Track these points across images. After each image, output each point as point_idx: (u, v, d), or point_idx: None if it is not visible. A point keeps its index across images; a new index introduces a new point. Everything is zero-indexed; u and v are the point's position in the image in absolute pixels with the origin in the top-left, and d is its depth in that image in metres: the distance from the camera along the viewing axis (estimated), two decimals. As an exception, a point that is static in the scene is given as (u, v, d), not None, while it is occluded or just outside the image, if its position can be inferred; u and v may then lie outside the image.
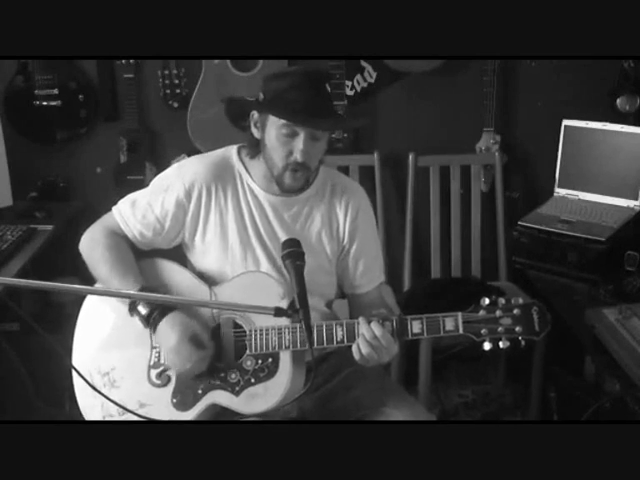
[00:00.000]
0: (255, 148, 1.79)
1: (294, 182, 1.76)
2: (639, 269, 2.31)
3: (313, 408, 1.83)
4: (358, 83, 2.98)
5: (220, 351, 1.72)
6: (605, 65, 2.86)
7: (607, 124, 2.69)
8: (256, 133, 1.77)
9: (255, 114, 1.76)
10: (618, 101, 2.85)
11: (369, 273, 1.92)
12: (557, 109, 2.88)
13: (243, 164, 1.83)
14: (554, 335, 2.36)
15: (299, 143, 1.69)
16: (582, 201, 2.73)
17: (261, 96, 1.75)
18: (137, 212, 1.81)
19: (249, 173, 1.83)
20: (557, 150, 2.78)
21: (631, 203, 2.63)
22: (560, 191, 2.80)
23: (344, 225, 1.86)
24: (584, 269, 2.42)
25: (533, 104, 3.01)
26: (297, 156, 1.70)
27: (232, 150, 1.86)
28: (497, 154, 2.94)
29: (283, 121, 1.69)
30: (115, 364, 1.77)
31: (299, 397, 1.58)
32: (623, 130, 2.65)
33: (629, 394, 2.00)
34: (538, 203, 2.76)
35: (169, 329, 1.68)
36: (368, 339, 1.60)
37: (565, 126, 2.76)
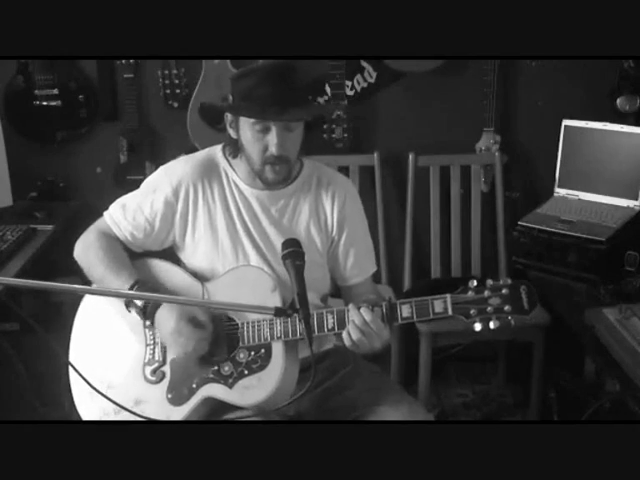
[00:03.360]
0: (235, 148, 1.82)
1: (275, 175, 1.77)
2: (639, 269, 2.31)
3: (310, 408, 1.83)
4: (358, 83, 2.98)
5: (213, 344, 1.73)
6: (605, 65, 2.86)
7: (607, 124, 2.68)
8: (232, 133, 1.81)
9: (229, 115, 1.79)
10: (618, 101, 2.85)
11: (360, 264, 1.92)
12: (557, 109, 2.88)
13: (228, 162, 1.86)
14: (554, 335, 2.38)
15: (273, 137, 1.72)
16: (582, 201, 2.73)
17: (230, 98, 1.78)
18: (127, 214, 1.84)
19: (234, 170, 1.85)
20: (557, 150, 2.78)
21: (631, 203, 2.63)
22: (560, 191, 2.80)
23: (332, 216, 1.87)
24: (584, 269, 2.41)
25: (533, 104, 3.01)
26: (273, 150, 1.72)
27: (217, 149, 1.89)
28: (497, 154, 2.94)
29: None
30: (110, 363, 1.79)
31: (298, 398, 1.58)
32: (623, 130, 2.65)
33: (629, 394, 2.00)
34: (538, 203, 2.76)
35: (167, 314, 1.70)
36: (358, 325, 1.60)
37: (565, 126, 2.76)
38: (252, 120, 1.72)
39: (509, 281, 1.60)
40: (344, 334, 1.63)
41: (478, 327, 1.57)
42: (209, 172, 1.84)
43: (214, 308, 1.75)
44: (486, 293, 1.58)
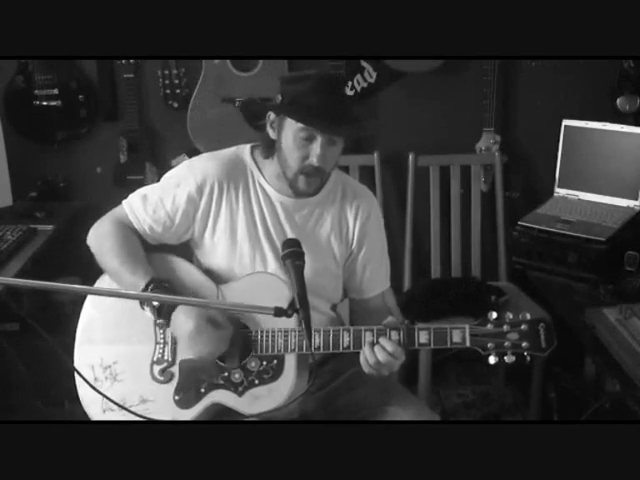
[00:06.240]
0: (270, 148, 1.79)
1: (308, 187, 1.76)
2: (639, 269, 2.31)
3: (316, 408, 1.83)
4: (358, 83, 2.98)
5: (225, 351, 1.71)
6: (605, 65, 2.86)
7: (607, 124, 2.68)
8: (272, 134, 1.77)
9: (272, 115, 1.76)
10: (618, 101, 2.85)
11: (375, 279, 1.92)
12: (557, 109, 2.88)
13: (256, 163, 1.83)
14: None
15: (316, 147, 1.69)
16: (582, 201, 2.73)
17: (279, 98, 1.74)
18: (148, 207, 1.80)
19: (261, 173, 1.83)
20: (557, 150, 2.78)
21: (631, 203, 2.63)
22: (560, 191, 2.80)
23: (353, 229, 1.86)
24: (584, 269, 2.41)
25: (533, 104, 3.01)
26: (313, 160, 1.70)
27: (245, 149, 1.86)
28: (497, 154, 2.94)
29: (301, 124, 1.68)
30: (118, 358, 1.77)
31: (299, 398, 1.58)
32: (623, 130, 2.65)
33: (629, 394, 2.00)
34: (538, 203, 2.76)
35: (184, 315, 1.67)
36: (382, 361, 1.61)
37: (565, 126, 2.76)
38: (299, 126, 1.68)
39: (528, 316, 1.60)
40: (362, 360, 1.64)
41: (492, 360, 1.59)
42: (235, 171, 1.81)
43: (215, 309, 1.73)
44: (505, 328, 1.59)
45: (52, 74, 2.85)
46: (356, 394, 1.83)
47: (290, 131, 1.71)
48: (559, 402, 2.68)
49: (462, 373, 3.16)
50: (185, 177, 1.80)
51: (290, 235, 1.80)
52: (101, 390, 1.62)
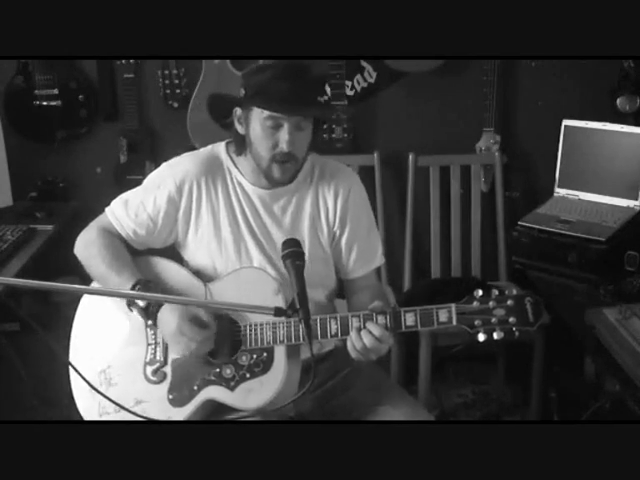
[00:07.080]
0: (241, 145, 1.80)
1: (283, 174, 1.76)
2: (639, 269, 2.31)
3: (311, 408, 1.83)
4: (358, 83, 2.98)
5: (215, 347, 1.72)
6: (605, 65, 2.86)
7: (607, 124, 2.68)
8: (240, 129, 1.78)
9: (238, 110, 1.77)
10: (618, 101, 2.85)
11: (363, 258, 1.90)
12: (557, 109, 2.88)
13: (231, 159, 1.85)
14: (554, 335, 2.38)
15: (284, 134, 1.70)
16: (582, 201, 2.73)
17: (242, 91, 1.76)
18: (130, 211, 1.82)
19: (238, 168, 1.84)
20: (557, 150, 2.78)
21: (631, 203, 2.63)
22: (560, 191, 2.80)
23: (334, 209, 1.85)
24: (584, 269, 2.41)
25: (533, 104, 3.01)
26: (283, 146, 1.71)
27: (220, 146, 1.87)
28: (497, 154, 2.94)
29: (267, 114, 1.69)
30: (111, 362, 1.78)
31: (298, 398, 1.58)
32: (623, 130, 2.65)
33: (629, 394, 2.00)
34: (538, 203, 2.76)
35: (169, 314, 1.68)
36: (367, 344, 1.60)
37: (565, 126, 2.76)
38: (264, 115, 1.70)
39: (514, 292, 1.58)
40: (349, 345, 1.63)
41: (482, 337, 1.57)
42: (213, 169, 1.83)
43: (214, 308, 1.74)
44: (491, 304, 1.57)
45: (52, 74, 2.86)
46: (351, 393, 1.84)
47: (257, 121, 1.72)
48: (559, 402, 2.68)
49: (461, 373, 3.16)
50: (164, 179, 1.83)
51: (270, 227, 1.82)
52: (96, 394, 1.62)
